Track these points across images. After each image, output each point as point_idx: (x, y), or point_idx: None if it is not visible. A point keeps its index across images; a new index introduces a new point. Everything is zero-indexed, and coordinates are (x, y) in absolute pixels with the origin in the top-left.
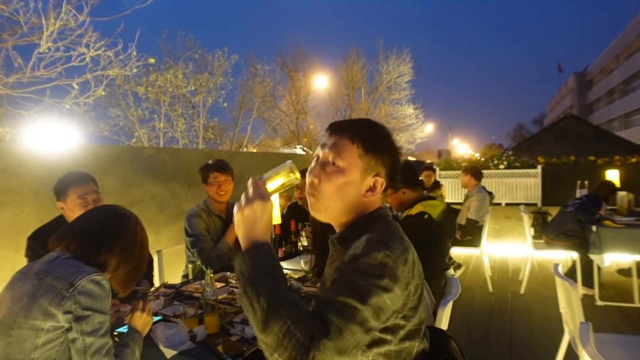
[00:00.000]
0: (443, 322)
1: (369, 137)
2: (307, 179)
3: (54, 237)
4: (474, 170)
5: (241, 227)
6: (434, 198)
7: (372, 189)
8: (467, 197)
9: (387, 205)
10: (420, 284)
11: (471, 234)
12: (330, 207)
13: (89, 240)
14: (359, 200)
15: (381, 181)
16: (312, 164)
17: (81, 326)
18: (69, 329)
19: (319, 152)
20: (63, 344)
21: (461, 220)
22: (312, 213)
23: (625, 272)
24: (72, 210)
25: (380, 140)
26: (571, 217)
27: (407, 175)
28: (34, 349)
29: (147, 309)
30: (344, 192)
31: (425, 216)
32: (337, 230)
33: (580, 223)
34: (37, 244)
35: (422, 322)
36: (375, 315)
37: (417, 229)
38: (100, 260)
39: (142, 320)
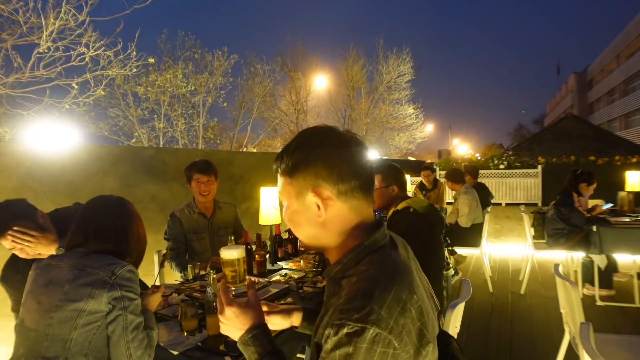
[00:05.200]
0: (451, 325)
1: (283, 160)
2: None
3: (69, 240)
4: (453, 176)
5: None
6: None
7: (319, 205)
8: (455, 199)
9: (380, 227)
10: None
11: (464, 236)
12: (306, 242)
13: (106, 236)
14: (322, 224)
15: (323, 191)
16: None
17: (124, 306)
18: (110, 311)
19: None
20: (100, 328)
21: (451, 219)
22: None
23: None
24: None
25: (297, 154)
26: (552, 217)
27: (399, 175)
28: (74, 329)
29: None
30: (299, 223)
31: (411, 209)
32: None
33: (562, 219)
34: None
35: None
36: None
37: (406, 223)
38: (122, 250)
39: (153, 298)
